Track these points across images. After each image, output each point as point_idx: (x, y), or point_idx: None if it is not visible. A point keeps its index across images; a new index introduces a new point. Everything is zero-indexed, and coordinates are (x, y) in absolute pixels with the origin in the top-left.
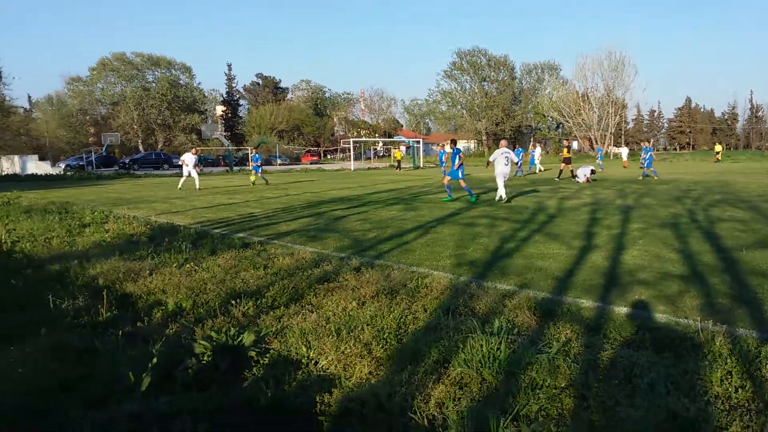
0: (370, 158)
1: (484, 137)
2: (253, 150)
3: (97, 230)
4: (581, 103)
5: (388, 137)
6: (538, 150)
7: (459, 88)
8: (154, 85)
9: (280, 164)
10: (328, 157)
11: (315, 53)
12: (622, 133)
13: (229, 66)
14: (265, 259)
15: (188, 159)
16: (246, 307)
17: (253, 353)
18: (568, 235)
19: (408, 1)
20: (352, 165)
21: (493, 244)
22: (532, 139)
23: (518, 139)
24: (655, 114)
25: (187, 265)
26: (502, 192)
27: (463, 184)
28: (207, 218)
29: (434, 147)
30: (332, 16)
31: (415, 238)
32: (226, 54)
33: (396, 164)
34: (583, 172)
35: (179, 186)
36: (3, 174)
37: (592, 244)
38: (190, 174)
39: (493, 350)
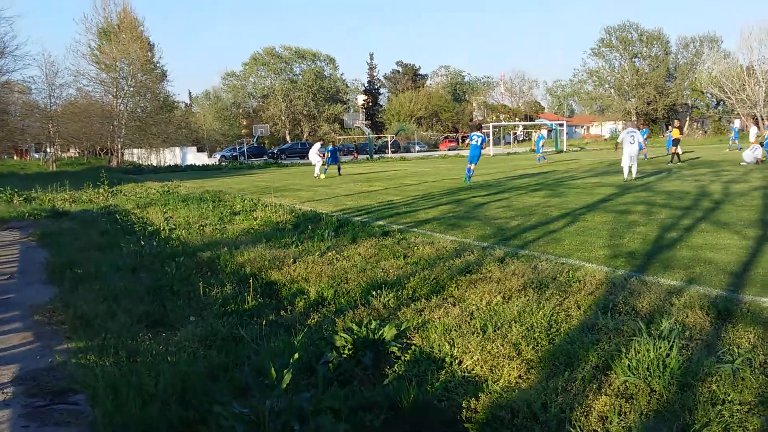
0: (509, 143)
1: (633, 117)
2: (322, 142)
3: (246, 218)
4: (745, 78)
5: (529, 120)
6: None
7: (607, 66)
8: (300, 77)
9: (418, 151)
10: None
11: (455, 37)
12: None
13: (371, 55)
14: (405, 247)
15: (315, 150)
16: (386, 299)
17: (394, 348)
18: (739, 223)
19: None
20: (491, 150)
21: (653, 234)
22: (689, 119)
23: (671, 119)
24: None
25: (329, 254)
26: (625, 173)
27: (468, 164)
28: (348, 206)
29: (577, 129)
30: None
31: (562, 226)
32: (368, 42)
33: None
34: (752, 153)
35: (320, 175)
36: (166, 165)
37: None
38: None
39: (663, 356)
